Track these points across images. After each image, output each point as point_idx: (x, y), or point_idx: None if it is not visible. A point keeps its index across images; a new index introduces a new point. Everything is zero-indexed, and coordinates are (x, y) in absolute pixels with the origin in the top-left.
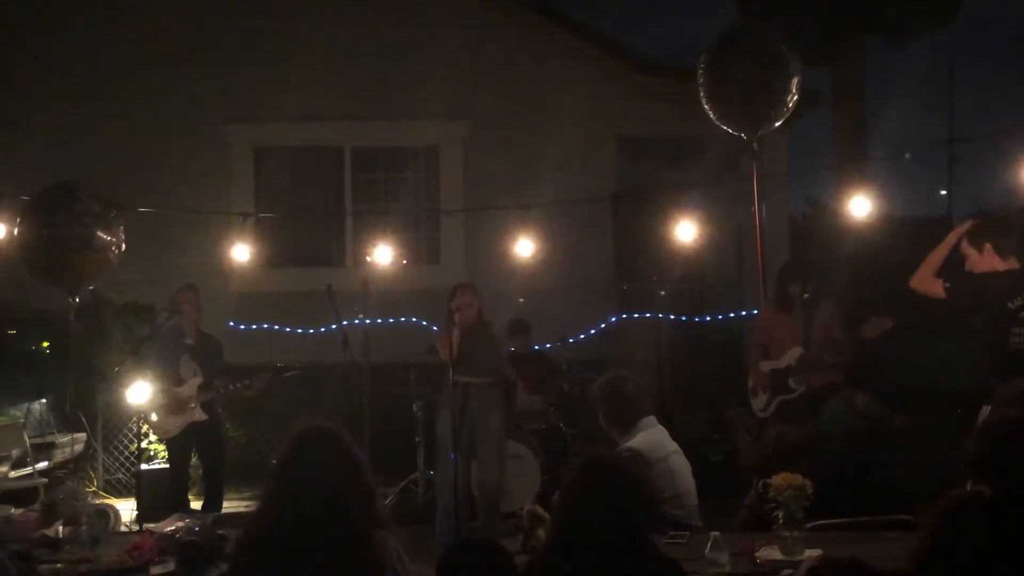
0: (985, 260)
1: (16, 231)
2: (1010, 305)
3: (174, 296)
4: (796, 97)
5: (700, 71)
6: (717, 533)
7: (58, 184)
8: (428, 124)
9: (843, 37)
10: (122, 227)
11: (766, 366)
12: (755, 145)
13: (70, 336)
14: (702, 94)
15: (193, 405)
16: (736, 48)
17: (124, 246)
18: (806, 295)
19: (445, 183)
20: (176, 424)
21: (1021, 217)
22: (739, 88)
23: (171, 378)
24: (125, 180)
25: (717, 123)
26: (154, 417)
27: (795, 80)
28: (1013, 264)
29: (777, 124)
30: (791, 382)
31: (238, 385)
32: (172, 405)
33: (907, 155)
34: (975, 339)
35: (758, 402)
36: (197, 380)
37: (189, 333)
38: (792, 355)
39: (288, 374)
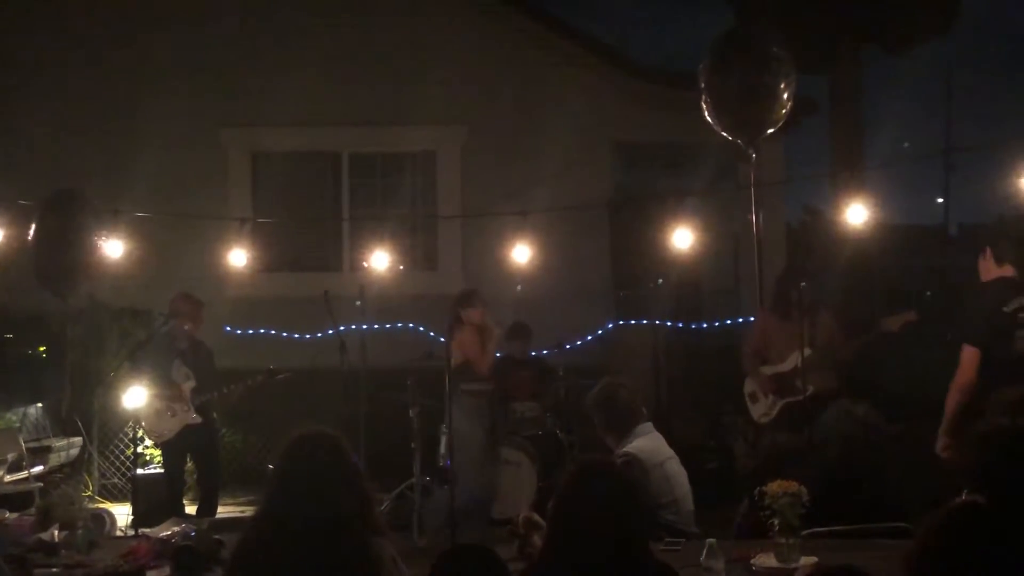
0: (985, 264)
1: (31, 233)
2: (1005, 309)
3: (172, 300)
4: (791, 103)
5: (700, 76)
6: (713, 540)
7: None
8: (425, 129)
9: (840, 44)
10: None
11: (768, 370)
12: (752, 152)
13: (67, 340)
14: (703, 99)
15: (186, 408)
16: (734, 53)
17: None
18: (800, 288)
19: (442, 188)
20: (170, 428)
21: (1018, 225)
22: (737, 94)
23: (164, 382)
24: (123, 185)
25: (716, 129)
26: (148, 421)
27: (792, 85)
28: (1007, 271)
29: (772, 130)
30: (798, 383)
31: (231, 387)
32: (165, 409)
33: (905, 144)
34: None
35: (759, 407)
36: (190, 384)
37: (182, 338)
38: (796, 358)
39: (280, 376)
